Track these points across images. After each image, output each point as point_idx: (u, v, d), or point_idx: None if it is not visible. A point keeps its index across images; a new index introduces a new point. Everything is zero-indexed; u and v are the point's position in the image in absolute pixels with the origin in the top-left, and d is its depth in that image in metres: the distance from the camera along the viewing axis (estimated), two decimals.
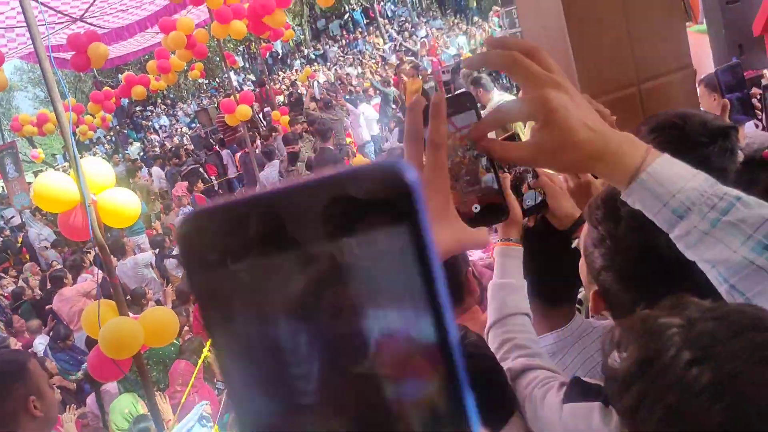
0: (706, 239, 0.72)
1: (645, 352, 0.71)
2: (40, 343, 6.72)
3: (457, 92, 0.76)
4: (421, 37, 20.17)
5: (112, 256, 4.66)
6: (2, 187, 13.60)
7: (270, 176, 7.79)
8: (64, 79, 3.14)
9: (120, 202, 3.22)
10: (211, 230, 0.28)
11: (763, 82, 3.30)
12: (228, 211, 0.27)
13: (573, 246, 1.38)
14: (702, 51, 3.92)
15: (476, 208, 0.72)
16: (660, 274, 0.99)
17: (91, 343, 5.45)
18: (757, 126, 2.73)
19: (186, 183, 10.76)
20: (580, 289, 1.57)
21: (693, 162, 0.75)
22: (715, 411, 0.63)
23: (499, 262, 1.45)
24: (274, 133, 10.18)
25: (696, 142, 1.32)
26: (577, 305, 1.61)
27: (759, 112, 2.74)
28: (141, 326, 3.15)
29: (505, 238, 1.45)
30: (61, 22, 8.64)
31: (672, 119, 1.40)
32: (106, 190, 3.24)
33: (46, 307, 7.60)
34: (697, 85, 2.42)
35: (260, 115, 12.52)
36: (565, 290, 1.51)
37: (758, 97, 2.78)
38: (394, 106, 11.31)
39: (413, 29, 22.49)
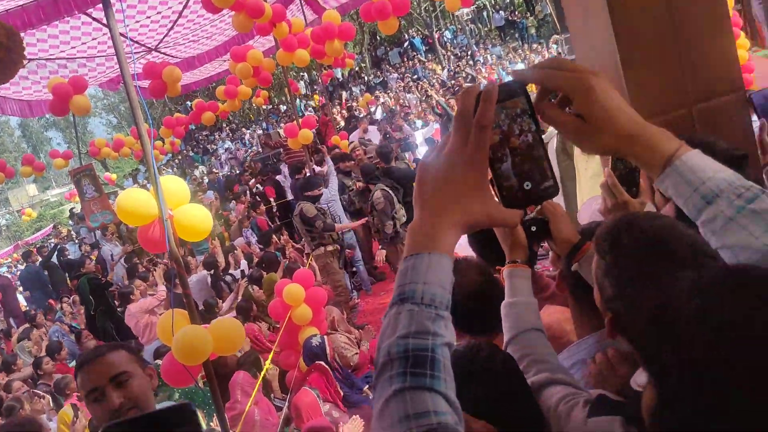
0: (731, 225, 0.78)
1: None
2: None
3: (507, 81, 0.80)
4: (481, 65, 20.29)
5: None
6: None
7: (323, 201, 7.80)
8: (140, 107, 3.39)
9: (194, 217, 3.43)
10: None
11: None
12: None
13: (573, 269, 1.47)
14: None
15: (527, 185, 0.78)
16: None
17: (159, 355, 5.74)
18: None
19: (243, 205, 11.12)
20: None
21: None
22: None
23: (508, 283, 1.55)
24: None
25: None
26: None
27: None
28: (210, 335, 3.34)
29: (511, 260, 1.56)
30: (138, 52, 9.15)
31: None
32: (181, 206, 3.46)
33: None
34: None
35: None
36: None
37: None
38: None
39: (471, 57, 22.61)
